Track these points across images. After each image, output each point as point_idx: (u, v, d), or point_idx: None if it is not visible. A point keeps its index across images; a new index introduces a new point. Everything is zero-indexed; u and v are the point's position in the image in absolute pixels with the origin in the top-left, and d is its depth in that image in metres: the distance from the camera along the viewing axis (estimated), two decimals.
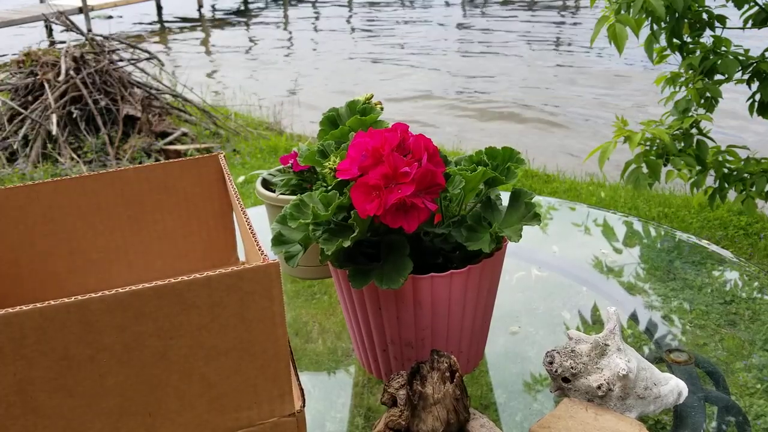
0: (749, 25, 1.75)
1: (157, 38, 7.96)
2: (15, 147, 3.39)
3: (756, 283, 0.86)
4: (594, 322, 0.79)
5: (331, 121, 0.71)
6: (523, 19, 8.00)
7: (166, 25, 8.91)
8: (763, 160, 1.82)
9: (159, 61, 4.22)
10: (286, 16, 9.42)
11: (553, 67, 5.67)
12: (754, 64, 1.69)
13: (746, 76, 1.72)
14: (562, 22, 7.76)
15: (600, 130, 4.00)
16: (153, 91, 3.81)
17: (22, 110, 3.45)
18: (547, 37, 6.90)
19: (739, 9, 1.71)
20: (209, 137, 3.75)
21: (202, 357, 0.42)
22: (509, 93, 4.94)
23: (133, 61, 3.85)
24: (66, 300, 0.38)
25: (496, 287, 0.69)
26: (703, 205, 2.50)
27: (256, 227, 0.50)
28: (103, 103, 3.50)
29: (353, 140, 0.60)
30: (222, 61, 6.64)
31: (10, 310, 0.37)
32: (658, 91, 1.91)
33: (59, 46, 4.11)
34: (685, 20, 1.69)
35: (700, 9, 1.69)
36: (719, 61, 1.66)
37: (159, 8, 9.63)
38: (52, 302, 0.38)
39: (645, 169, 1.79)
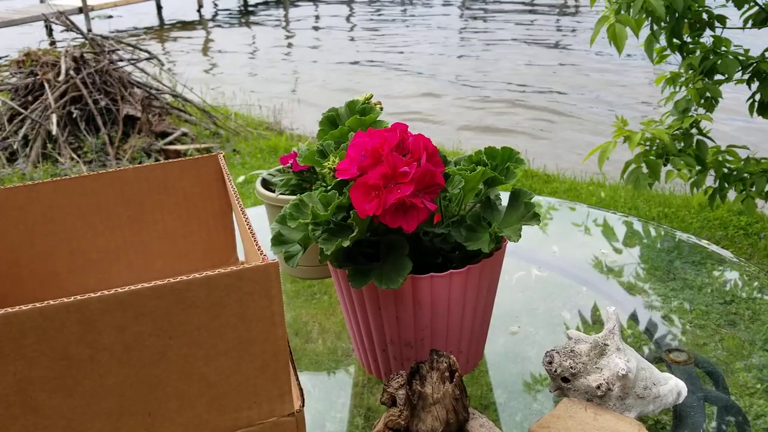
0: (749, 25, 1.75)
1: (157, 38, 7.96)
2: (15, 147, 3.39)
3: (756, 283, 0.86)
4: (594, 322, 0.79)
5: (331, 121, 0.71)
6: (523, 20, 8.00)
7: (166, 25, 8.91)
8: (763, 160, 1.82)
9: (159, 61, 4.22)
10: (286, 16, 9.42)
11: (553, 66, 5.67)
12: (754, 64, 1.69)
13: (746, 76, 1.72)
14: (561, 25, 7.76)
15: (600, 130, 3.99)
16: (153, 91, 3.81)
17: (22, 110, 3.45)
18: (547, 37, 6.90)
19: (739, 9, 1.71)
20: (209, 137, 3.76)
21: (202, 357, 0.43)
22: (510, 93, 4.94)
23: (133, 61, 3.85)
24: (66, 300, 0.38)
25: (496, 287, 0.69)
26: (703, 205, 2.50)
27: (256, 227, 0.50)
28: (103, 103, 3.50)
29: (353, 140, 0.60)
30: (222, 61, 6.64)
31: (10, 310, 0.37)
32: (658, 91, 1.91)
33: (59, 46, 4.11)
34: (685, 20, 1.69)
35: (700, 9, 1.69)
36: (719, 61, 1.66)
37: (159, 8, 9.63)
38: (52, 302, 0.38)
39: (645, 169, 1.79)
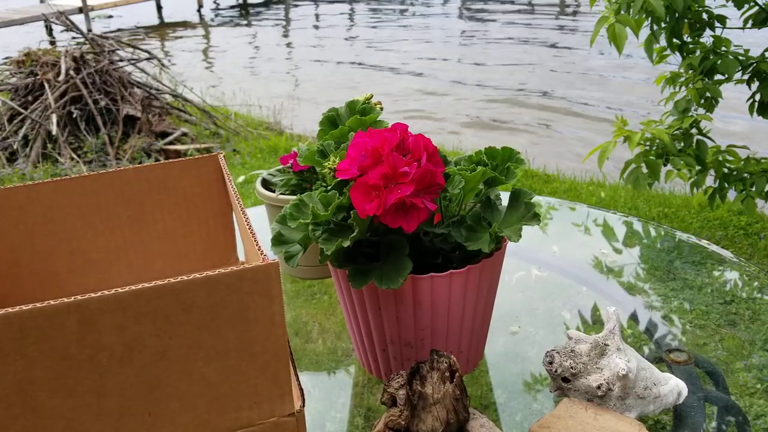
0: (749, 25, 1.75)
1: (157, 38, 7.95)
2: (15, 147, 3.39)
3: (756, 283, 0.86)
4: (594, 322, 0.79)
5: (331, 121, 0.71)
6: (523, 20, 8.00)
7: (166, 25, 8.91)
8: (763, 160, 1.82)
9: (159, 61, 4.22)
10: (287, 16, 9.42)
11: (553, 66, 5.67)
12: (754, 64, 1.69)
13: (746, 76, 1.72)
14: (561, 25, 7.76)
15: (602, 128, 3.99)
16: (153, 91, 3.81)
17: (22, 110, 3.45)
18: (546, 37, 6.90)
19: (739, 9, 1.71)
20: (209, 137, 3.76)
21: (202, 357, 0.43)
22: (510, 93, 4.94)
23: (133, 61, 3.85)
24: (66, 300, 0.38)
25: (496, 287, 0.69)
26: (703, 205, 2.50)
27: (256, 227, 0.50)
28: (103, 103, 3.50)
29: (353, 140, 0.60)
30: (222, 61, 6.64)
31: (10, 310, 0.37)
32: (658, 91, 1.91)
33: (59, 46, 4.11)
34: (685, 20, 1.69)
35: (700, 9, 1.69)
36: (719, 61, 1.66)
37: (159, 8, 9.63)
38: (52, 302, 0.38)
39: (645, 169, 1.79)
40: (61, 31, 4.72)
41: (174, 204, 0.69)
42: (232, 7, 10.25)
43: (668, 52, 1.79)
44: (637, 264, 0.92)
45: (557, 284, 0.88)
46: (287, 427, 0.47)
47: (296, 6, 10.18)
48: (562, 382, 0.62)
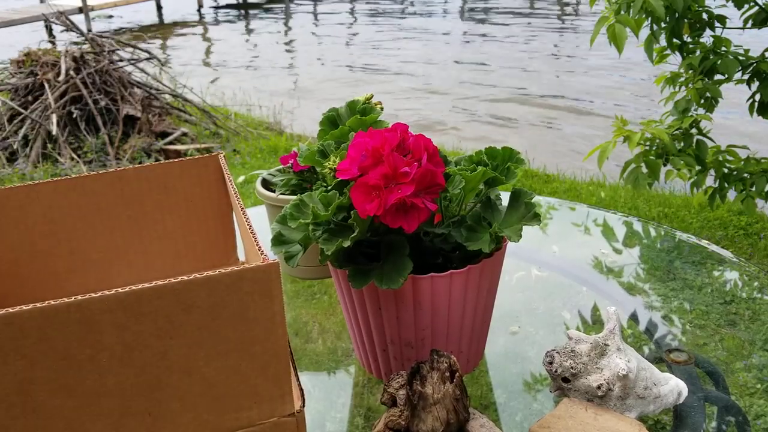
0: (749, 25, 1.75)
1: (157, 38, 7.95)
2: (15, 147, 3.39)
3: (756, 283, 0.86)
4: (594, 322, 0.79)
5: (331, 121, 0.71)
6: (523, 20, 8.00)
7: (166, 24, 8.91)
8: (763, 160, 1.82)
9: (159, 61, 4.22)
10: (286, 15, 9.42)
11: (553, 66, 5.67)
12: (754, 64, 1.69)
13: (746, 76, 1.72)
14: (561, 24, 7.76)
15: (603, 126, 4.00)
16: (153, 91, 3.81)
17: (22, 110, 3.45)
18: (546, 38, 6.90)
19: (739, 9, 1.71)
20: (209, 137, 3.75)
21: (202, 357, 0.43)
22: (510, 93, 4.94)
23: (133, 61, 3.85)
24: (66, 300, 0.38)
25: (496, 287, 0.69)
26: (703, 205, 2.50)
27: (256, 227, 0.50)
28: (103, 103, 3.50)
29: (353, 140, 0.60)
30: (222, 61, 6.64)
31: (10, 310, 0.37)
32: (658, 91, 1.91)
33: (59, 46, 4.11)
34: (685, 20, 1.69)
35: (700, 9, 1.69)
36: (719, 61, 1.66)
37: (159, 8, 9.63)
38: (52, 302, 0.38)
39: (644, 169, 1.79)
40: (61, 31, 4.71)
41: (174, 204, 0.69)
42: (232, 6, 10.24)
43: (668, 52, 1.79)
44: (637, 264, 0.92)
45: (557, 284, 0.88)
46: (287, 427, 0.47)
47: (296, 5, 10.18)
48: (562, 382, 0.62)
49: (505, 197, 0.66)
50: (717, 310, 0.80)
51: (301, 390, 0.49)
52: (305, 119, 4.27)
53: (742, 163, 1.84)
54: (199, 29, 8.58)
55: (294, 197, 0.68)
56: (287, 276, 0.91)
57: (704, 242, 0.96)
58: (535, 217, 0.63)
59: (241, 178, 2.59)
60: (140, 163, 3.23)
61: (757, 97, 1.73)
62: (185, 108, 3.94)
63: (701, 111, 1.77)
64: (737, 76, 1.69)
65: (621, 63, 5.34)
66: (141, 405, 0.42)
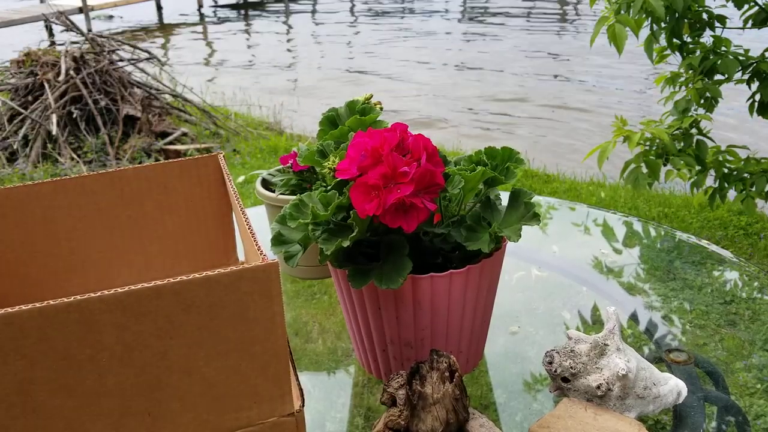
0: (749, 25, 1.75)
1: (156, 38, 7.95)
2: (15, 147, 3.39)
3: (756, 283, 0.86)
4: (594, 322, 0.79)
5: (331, 121, 0.71)
6: (523, 22, 8.00)
7: (166, 24, 8.91)
8: (763, 160, 1.82)
9: (159, 61, 4.22)
10: (286, 14, 9.42)
11: (553, 66, 5.67)
12: (754, 64, 1.69)
13: (746, 76, 1.72)
14: (561, 24, 7.76)
15: (603, 124, 4.00)
16: (153, 91, 3.81)
17: (22, 110, 3.45)
18: (546, 36, 6.90)
19: (739, 9, 1.71)
20: (209, 137, 3.76)
21: (202, 357, 0.43)
22: (510, 93, 4.94)
23: (133, 61, 3.85)
24: (66, 300, 0.38)
25: (496, 287, 0.69)
26: (703, 205, 2.50)
27: (256, 227, 0.50)
28: (103, 103, 3.50)
29: (352, 140, 0.60)
30: (222, 61, 6.64)
31: (10, 310, 0.37)
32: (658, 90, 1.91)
33: (59, 46, 4.11)
34: (685, 20, 1.69)
35: (700, 9, 1.69)
36: (719, 61, 1.66)
37: (159, 8, 9.63)
38: (52, 302, 0.38)
39: (644, 169, 1.79)
40: (61, 31, 4.71)
41: (174, 204, 0.69)
42: (232, 6, 10.24)
43: (668, 52, 1.79)
44: (637, 264, 0.92)
45: (557, 284, 0.88)
46: (287, 427, 0.47)
47: (297, 4, 10.18)
48: (562, 382, 0.62)
49: (504, 197, 0.66)
50: (717, 310, 0.80)
51: (301, 390, 0.49)
52: (305, 119, 4.27)
53: (742, 163, 1.84)
54: (199, 29, 8.58)
55: (294, 197, 0.68)
56: (287, 276, 0.91)
57: (704, 242, 0.96)
58: (535, 217, 0.63)
59: (241, 178, 2.59)
60: (140, 163, 3.23)
61: (757, 97, 1.73)
62: (185, 108, 3.94)
63: (701, 111, 1.77)
64: (737, 76, 1.69)
65: (621, 63, 5.34)
66: (141, 405, 0.42)
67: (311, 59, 6.53)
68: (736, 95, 2.06)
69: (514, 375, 0.70)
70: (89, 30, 6.98)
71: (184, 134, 3.63)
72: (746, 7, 1.70)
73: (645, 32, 1.66)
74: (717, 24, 1.71)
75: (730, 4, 1.69)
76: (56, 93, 3.46)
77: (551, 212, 1.10)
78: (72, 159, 3.34)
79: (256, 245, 0.45)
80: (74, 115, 3.47)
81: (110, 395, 0.41)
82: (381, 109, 0.72)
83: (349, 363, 0.74)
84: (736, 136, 3.36)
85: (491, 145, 0.67)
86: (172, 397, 0.43)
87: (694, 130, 1.80)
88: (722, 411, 0.64)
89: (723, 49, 1.69)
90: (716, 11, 1.70)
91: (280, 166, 0.87)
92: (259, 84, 5.48)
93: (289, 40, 7.58)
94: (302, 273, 0.90)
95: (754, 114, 1.75)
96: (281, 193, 0.84)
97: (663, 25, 1.66)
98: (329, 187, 0.63)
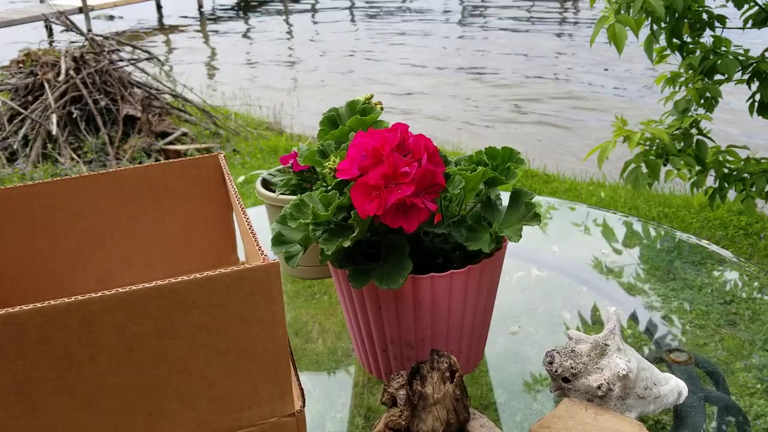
0: (749, 25, 1.75)
1: (157, 38, 7.95)
2: (15, 147, 3.39)
3: (756, 283, 0.86)
4: (594, 322, 0.79)
5: (331, 121, 0.71)
6: (523, 24, 8.00)
7: (166, 25, 8.91)
8: (763, 160, 1.82)
9: (159, 61, 4.22)
10: (286, 14, 9.42)
11: (554, 65, 5.67)
12: (754, 64, 1.69)
13: (746, 76, 1.72)
14: (561, 25, 7.76)
15: (598, 131, 4.00)
16: (153, 91, 3.81)
17: (22, 110, 3.45)
18: (546, 37, 6.90)
19: (739, 9, 1.71)
20: (209, 137, 3.75)
21: (202, 357, 0.43)
22: (510, 93, 4.94)
23: (133, 61, 3.85)
24: (66, 300, 0.38)
25: (496, 287, 0.69)
26: (703, 205, 2.50)
27: (256, 227, 0.50)
28: (103, 103, 3.50)
29: (353, 140, 0.60)
30: (222, 61, 6.64)
31: (10, 310, 0.37)
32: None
33: (59, 46, 4.11)
34: (685, 20, 1.69)
35: (700, 9, 1.69)
36: (719, 61, 1.66)
37: (159, 8, 9.63)
38: (52, 302, 0.38)
39: (644, 169, 1.79)
40: (61, 31, 4.71)
41: (174, 204, 0.69)
42: (232, 7, 10.24)
43: (668, 52, 1.79)
44: (637, 264, 0.92)
45: (557, 284, 0.88)
46: (287, 427, 0.47)
47: (297, 4, 10.18)
48: (562, 382, 0.62)
49: (505, 197, 0.66)
50: (717, 310, 0.80)
51: (301, 390, 0.49)
52: (305, 119, 4.27)
53: (742, 163, 1.84)
54: (199, 29, 8.58)
55: (294, 197, 0.68)
56: (287, 276, 0.91)
57: (704, 242, 0.96)
58: (535, 217, 0.63)
59: (241, 178, 2.59)
60: (140, 163, 3.23)
61: (757, 97, 1.73)
62: (185, 108, 3.94)
63: (701, 111, 1.77)
64: (737, 76, 1.69)
65: (622, 63, 5.34)
66: (141, 405, 0.42)
67: (312, 58, 6.52)
68: (737, 94, 2.06)
69: (514, 375, 0.70)
70: (89, 30, 6.98)
71: (184, 134, 3.63)
72: (746, 7, 1.70)
73: (645, 32, 1.66)
74: (717, 24, 1.71)
75: (730, 4, 1.69)
76: (56, 93, 3.46)
77: (551, 212, 1.10)
78: (72, 159, 3.34)
79: (257, 245, 0.45)
80: (74, 115, 3.47)
81: (110, 395, 0.41)
82: (381, 109, 0.72)
83: (349, 363, 0.74)
84: (735, 130, 3.37)
85: (492, 145, 0.67)
86: (172, 397, 0.43)
87: (694, 130, 1.80)
88: (722, 411, 0.64)
89: (723, 49, 1.69)
90: (716, 11, 1.70)
91: (281, 166, 0.87)
92: (259, 84, 5.48)
93: (289, 40, 7.58)
94: (302, 273, 0.90)
95: (754, 114, 1.75)
96: (281, 193, 0.84)
97: (663, 25, 1.66)
98: (330, 187, 0.63)
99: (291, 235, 0.62)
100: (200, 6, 9.80)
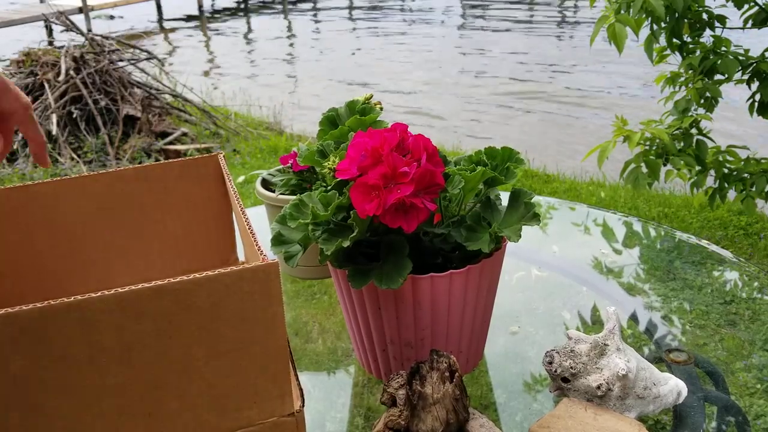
0: (749, 25, 1.75)
1: (157, 38, 7.95)
2: (15, 147, 3.39)
3: (756, 283, 0.86)
4: (594, 322, 0.79)
5: (331, 121, 0.71)
6: (523, 25, 8.00)
7: (166, 24, 8.91)
8: (763, 160, 1.82)
9: (159, 61, 4.22)
10: (285, 13, 9.42)
11: (553, 66, 5.67)
12: (754, 64, 1.69)
13: (746, 76, 1.72)
14: (561, 25, 7.76)
15: (598, 130, 4.00)
16: (153, 91, 3.81)
17: None
18: (546, 37, 6.90)
19: (739, 9, 1.71)
20: (209, 137, 3.75)
21: (202, 357, 0.43)
22: (510, 92, 4.94)
23: (133, 61, 3.85)
24: (66, 300, 0.38)
25: (496, 287, 0.69)
26: (703, 205, 2.50)
27: (256, 227, 0.50)
28: (103, 103, 3.50)
29: (352, 140, 0.60)
30: (222, 61, 6.64)
31: (10, 310, 0.37)
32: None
33: (59, 46, 4.11)
34: (685, 20, 1.68)
35: (700, 9, 1.69)
36: (719, 61, 1.66)
37: (159, 8, 9.63)
38: (52, 302, 0.38)
39: (644, 169, 1.79)
40: (61, 31, 4.72)
41: (174, 204, 0.69)
42: (232, 7, 10.24)
43: (668, 52, 1.79)
44: (637, 264, 0.92)
45: (557, 284, 0.88)
46: (287, 427, 0.47)
47: (299, 4, 10.18)
48: (562, 382, 0.62)
49: (504, 197, 0.66)
50: (717, 310, 0.80)
51: (301, 390, 0.49)
52: (305, 119, 4.27)
53: (742, 163, 1.84)
54: (200, 29, 8.58)
55: (294, 197, 0.68)
56: (287, 276, 0.91)
57: (704, 242, 0.96)
58: (535, 217, 0.63)
59: (241, 178, 2.60)
60: (140, 163, 3.23)
61: (757, 97, 1.73)
62: (185, 108, 3.94)
63: (701, 111, 1.77)
64: (737, 76, 1.69)
65: (622, 62, 5.33)
66: (140, 405, 0.42)
67: (312, 58, 6.52)
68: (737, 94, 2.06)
69: (514, 375, 0.70)
70: (89, 30, 6.98)
71: (184, 134, 3.63)
72: (746, 7, 1.70)
73: (645, 32, 1.66)
74: (717, 24, 1.71)
75: (730, 4, 1.69)
76: (56, 93, 3.46)
77: (551, 212, 1.10)
78: (72, 159, 3.34)
79: (256, 245, 0.45)
80: (74, 115, 3.47)
81: (110, 395, 0.41)
82: (381, 109, 0.72)
83: (349, 363, 0.74)
84: (735, 128, 3.37)
85: (491, 145, 0.67)
86: (171, 397, 0.43)
87: (694, 130, 1.80)
88: (722, 411, 0.64)
89: (723, 49, 1.69)
90: (716, 11, 1.70)
91: (280, 166, 0.87)
92: (260, 83, 5.48)
93: (289, 39, 7.57)
94: (302, 273, 0.90)
95: (754, 114, 1.75)
96: (281, 193, 0.84)
97: (663, 24, 1.66)
98: (329, 187, 0.63)
99: (290, 235, 0.62)
100: (200, 6, 9.79)
